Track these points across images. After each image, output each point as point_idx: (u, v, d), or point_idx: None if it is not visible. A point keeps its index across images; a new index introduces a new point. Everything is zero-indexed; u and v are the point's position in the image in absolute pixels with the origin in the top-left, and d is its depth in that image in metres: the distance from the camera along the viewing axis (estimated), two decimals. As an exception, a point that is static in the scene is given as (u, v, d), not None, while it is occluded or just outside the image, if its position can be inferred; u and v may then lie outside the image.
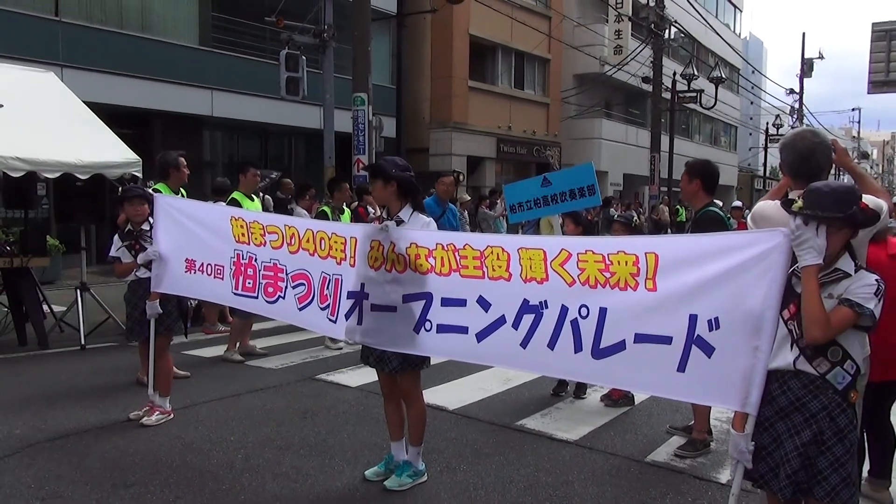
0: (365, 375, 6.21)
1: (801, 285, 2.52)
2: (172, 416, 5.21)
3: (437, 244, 3.63)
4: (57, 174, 7.44)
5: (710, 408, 4.76)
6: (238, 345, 7.28)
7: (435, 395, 5.80)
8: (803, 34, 59.08)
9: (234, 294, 4.52)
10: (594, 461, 4.61)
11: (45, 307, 7.96)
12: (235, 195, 7.15)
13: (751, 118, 48.06)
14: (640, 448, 4.88)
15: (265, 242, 4.31)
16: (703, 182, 4.69)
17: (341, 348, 7.61)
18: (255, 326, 7.70)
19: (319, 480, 4.19)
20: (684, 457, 4.67)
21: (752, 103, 46.32)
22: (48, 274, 10.88)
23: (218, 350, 7.45)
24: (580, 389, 6.08)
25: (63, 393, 5.87)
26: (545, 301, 3.24)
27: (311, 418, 5.37)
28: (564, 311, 3.17)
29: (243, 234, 4.43)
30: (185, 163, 6.10)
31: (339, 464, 4.45)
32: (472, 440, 4.95)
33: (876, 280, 2.49)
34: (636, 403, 5.84)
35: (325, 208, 7.95)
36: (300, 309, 4.13)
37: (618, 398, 5.82)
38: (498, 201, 15.18)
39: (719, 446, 4.84)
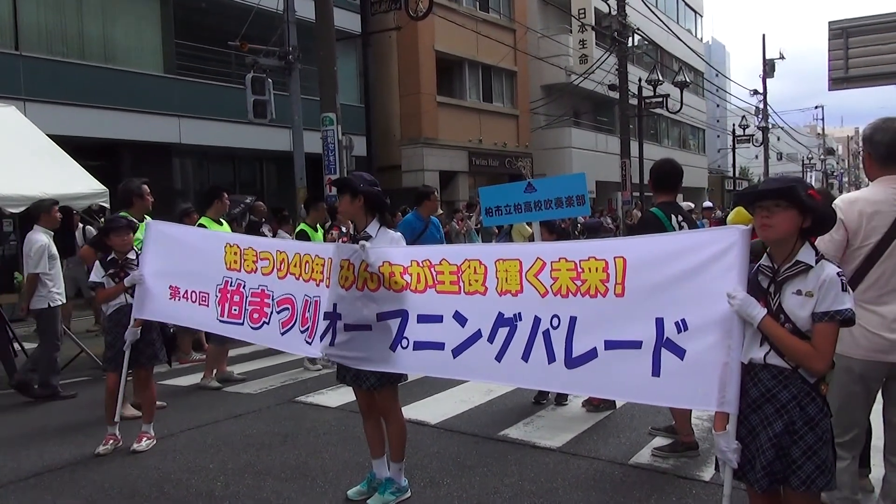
0: (344, 395, 6.14)
1: (769, 335, 2.53)
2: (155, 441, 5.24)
3: (412, 261, 3.61)
4: (22, 208, 7.32)
5: (689, 410, 4.77)
6: (215, 372, 7.19)
7: (416, 410, 5.76)
8: (763, 36, 60.51)
9: (220, 321, 4.48)
10: (578, 467, 4.60)
11: (15, 345, 7.79)
12: (203, 221, 7.07)
13: (717, 120, 48.85)
14: (624, 451, 4.88)
15: (256, 269, 4.29)
16: (653, 182, 4.77)
17: (320, 369, 7.54)
18: (232, 352, 7.61)
19: (301, 503, 4.13)
20: (665, 457, 4.67)
21: (717, 106, 47.09)
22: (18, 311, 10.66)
23: (194, 378, 7.34)
24: (561, 396, 6.08)
25: (37, 430, 5.74)
26: (519, 313, 3.24)
27: (292, 441, 5.30)
28: (537, 322, 3.17)
29: (235, 261, 4.41)
30: (149, 190, 6.04)
31: (321, 485, 4.38)
32: (455, 453, 4.91)
33: (837, 273, 2.49)
34: (617, 407, 5.85)
35: (304, 227, 7.92)
36: (282, 333, 4.11)
37: (598, 403, 5.82)
38: (472, 214, 15.20)
39: (701, 444, 4.85)
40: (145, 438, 5.17)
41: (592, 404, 5.84)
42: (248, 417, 6.00)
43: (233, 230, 8.10)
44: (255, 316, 4.26)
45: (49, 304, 6.73)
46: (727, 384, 2.62)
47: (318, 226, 8.14)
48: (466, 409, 6.01)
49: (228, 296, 4.41)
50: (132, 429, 5.29)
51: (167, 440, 5.36)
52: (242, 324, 4.32)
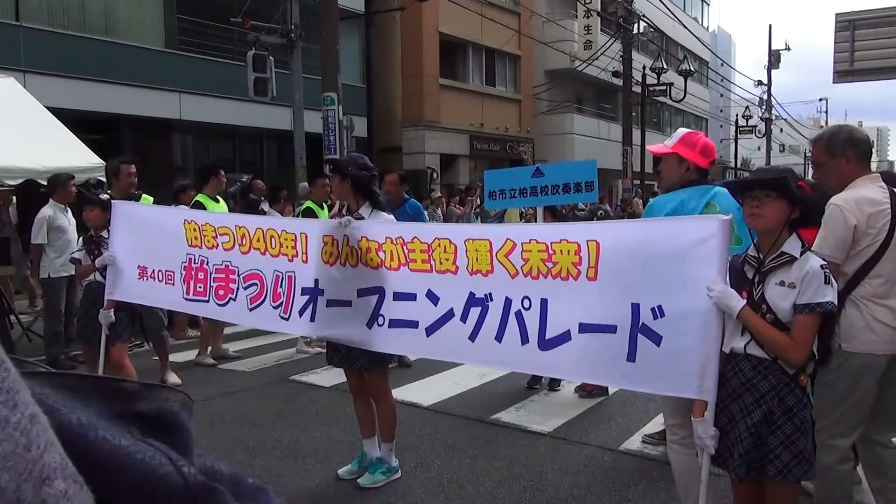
0: (338, 375, 6.12)
1: (747, 325, 2.54)
2: None
3: (386, 238, 3.60)
4: (19, 180, 7.32)
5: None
6: (210, 348, 7.21)
7: (410, 392, 5.78)
8: (770, 26, 59.73)
9: (185, 299, 4.45)
10: (568, 452, 4.62)
11: (11, 317, 7.81)
12: (199, 198, 7.06)
13: (721, 110, 48.60)
14: (614, 437, 4.91)
15: (217, 245, 4.26)
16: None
17: (320, 350, 7.54)
18: (228, 330, 7.62)
19: (292, 481, 4.16)
20: (655, 444, 4.69)
21: (721, 96, 46.82)
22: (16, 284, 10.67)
23: (189, 355, 7.36)
24: (555, 381, 6.10)
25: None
26: (490, 294, 3.22)
27: (284, 419, 5.32)
28: (508, 302, 3.15)
29: (196, 238, 4.37)
30: (132, 170, 6.01)
31: (312, 464, 4.41)
32: (446, 436, 4.94)
33: (821, 266, 2.50)
34: (610, 394, 5.87)
35: (311, 204, 7.79)
36: (251, 309, 4.09)
37: (591, 389, 5.84)
38: (473, 198, 15.18)
39: (691, 433, 4.88)
40: None
41: (585, 390, 5.86)
42: (241, 395, 6.03)
43: (230, 207, 8.08)
44: (221, 293, 4.23)
45: (49, 275, 6.73)
46: (705, 372, 2.61)
47: (323, 203, 7.96)
48: (460, 391, 6.03)
49: (193, 273, 4.38)
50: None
51: (160, 415, 5.37)
52: (208, 301, 4.30)
